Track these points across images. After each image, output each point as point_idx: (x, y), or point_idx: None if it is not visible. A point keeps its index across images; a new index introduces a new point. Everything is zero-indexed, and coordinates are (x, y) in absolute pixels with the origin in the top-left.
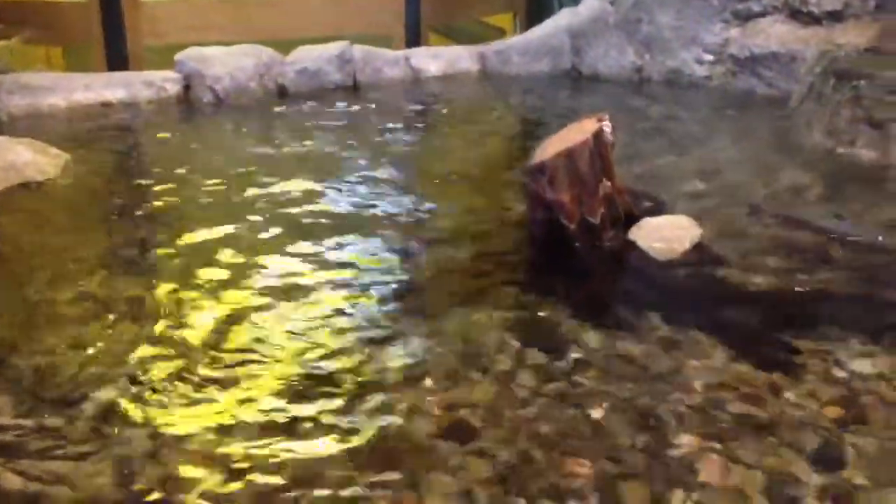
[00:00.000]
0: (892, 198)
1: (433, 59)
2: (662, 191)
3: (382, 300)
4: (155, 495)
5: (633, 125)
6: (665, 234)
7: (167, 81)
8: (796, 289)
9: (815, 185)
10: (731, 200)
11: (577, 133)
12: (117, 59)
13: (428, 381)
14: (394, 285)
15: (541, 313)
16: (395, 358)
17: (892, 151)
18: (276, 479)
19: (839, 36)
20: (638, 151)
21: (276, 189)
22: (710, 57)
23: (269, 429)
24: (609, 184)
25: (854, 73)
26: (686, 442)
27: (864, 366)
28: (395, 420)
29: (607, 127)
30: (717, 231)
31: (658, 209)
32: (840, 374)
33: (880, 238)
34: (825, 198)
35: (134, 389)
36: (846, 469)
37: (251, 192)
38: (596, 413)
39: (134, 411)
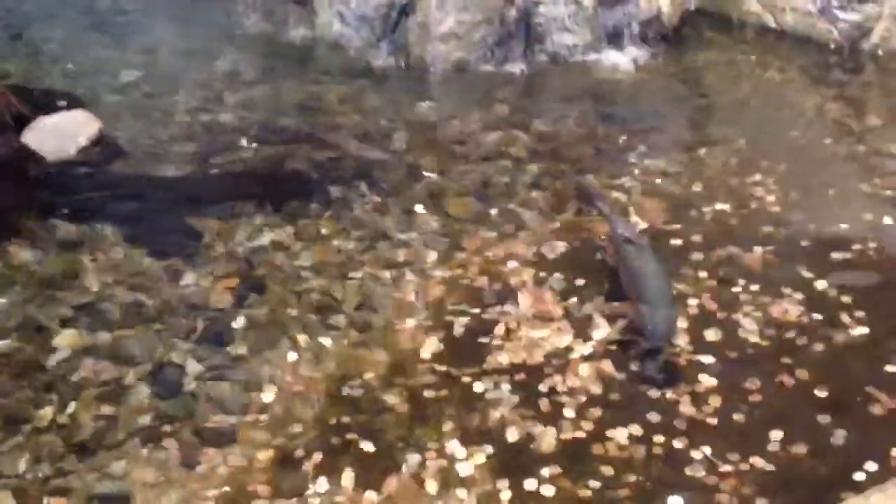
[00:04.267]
0: (317, 71)
1: None
2: (90, 87)
3: None
4: None
5: (74, 21)
6: (59, 133)
7: None
8: (209, 172)
9: (251, 68)
10: (159, 90)
11: None
12: None
13: None
14: None
15: None
16: None
17: (316, 25)
18: None
19: None
20: (75, 48)
21: None
22: None
23: None
24: None
25: None
26: (65, 343)
27: (264, 238)
28: None
29: None
30: (133, 122)
31: (74, 106)
32: (240, 249)
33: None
34: (259, 79)
35: None
36: (232, 344)
37: None
38: None
39: None
